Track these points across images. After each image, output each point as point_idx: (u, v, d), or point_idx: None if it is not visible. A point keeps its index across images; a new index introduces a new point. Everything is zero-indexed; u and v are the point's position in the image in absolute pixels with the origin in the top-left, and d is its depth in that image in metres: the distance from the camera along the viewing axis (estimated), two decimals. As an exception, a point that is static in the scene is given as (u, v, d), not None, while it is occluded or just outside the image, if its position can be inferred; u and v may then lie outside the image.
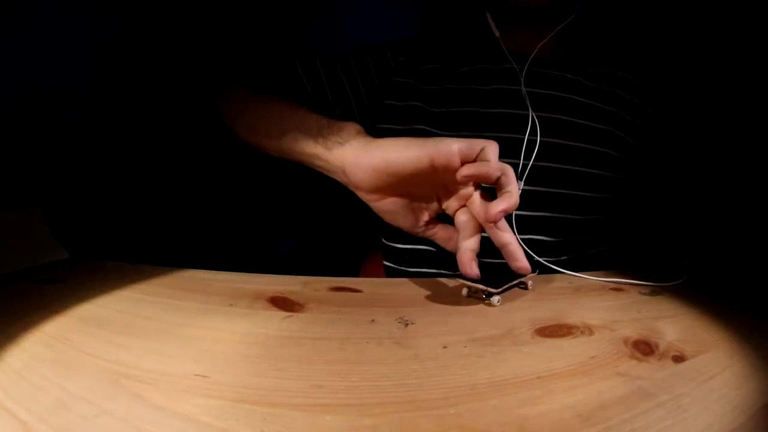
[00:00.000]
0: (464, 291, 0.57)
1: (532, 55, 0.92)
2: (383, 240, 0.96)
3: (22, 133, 1.30)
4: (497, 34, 0.93)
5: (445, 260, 0.85)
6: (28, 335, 0.42)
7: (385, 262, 0.97)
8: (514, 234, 0.61)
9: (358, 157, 0.66)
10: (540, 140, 0.85)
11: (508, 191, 0.58)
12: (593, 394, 0.34)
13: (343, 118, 0.80)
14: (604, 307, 0.53)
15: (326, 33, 3.26)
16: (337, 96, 0.95)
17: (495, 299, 0.54)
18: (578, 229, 0.89)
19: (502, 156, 0.69)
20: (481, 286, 0.54)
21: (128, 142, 1.57)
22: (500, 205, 0.56)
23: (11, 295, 0.54)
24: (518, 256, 0.58)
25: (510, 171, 0.59)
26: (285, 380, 0.35)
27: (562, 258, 0.89)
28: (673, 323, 0.48)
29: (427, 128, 0.90)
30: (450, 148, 0.60)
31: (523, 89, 0.88)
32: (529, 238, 0.85)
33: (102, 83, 1.69)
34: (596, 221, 0.92)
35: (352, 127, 0.70)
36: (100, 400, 0.32)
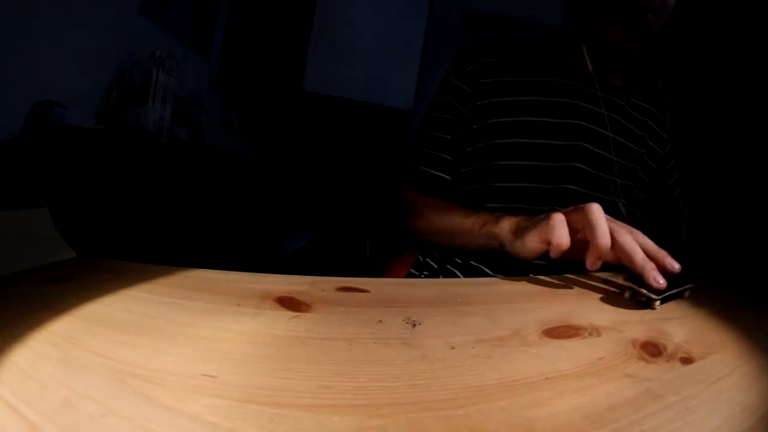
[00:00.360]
0: (627, 294, 0.58)
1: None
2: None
3: (31, 135, 1.30)
4: (590, 67, 1.02)
5: (491, 258, 0.95)
6: (34, 334, 0.42)
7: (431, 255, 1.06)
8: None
9: (512, 252, 0.79)
10: (598, 152, 1.00)
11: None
12: (601, 396, 0.34)
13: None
14: (611, 308, 0.53)
15: (332, 20, 3.27)
16: (452, 153, 1.07)
17: (656, 304, 0.55)
18: None
19: (593, 168, 0.98)
20: (644, 291, 0.56)
21: (135, 143, 1.57)
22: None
23: (18, 294, 0.54)
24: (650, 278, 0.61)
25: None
26: (292, 380, 0.35)
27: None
28: (681, 324, 0.48)
29: (508, 141, 1.00)
30: (557, 232, 0.67)
31: (605, 112, 1.00)
32: None
33: (112, 86, 1.70)
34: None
35: (501, 231, 0.82)
36: (106, 399, 0.32)
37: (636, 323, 0.48)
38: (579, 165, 0.98)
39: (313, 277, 0.61)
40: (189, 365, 0.37)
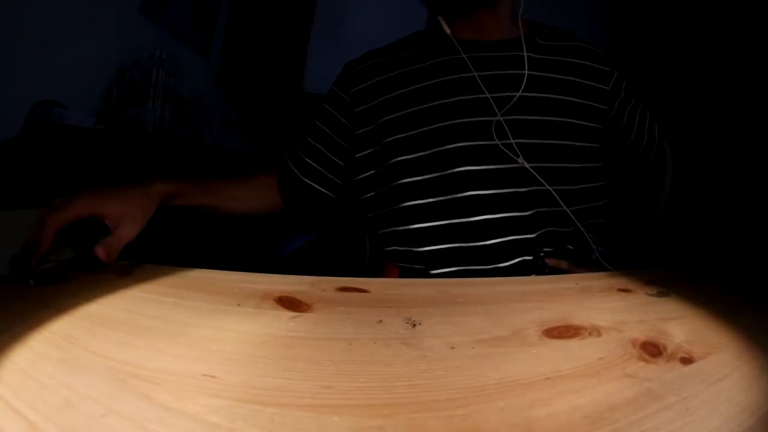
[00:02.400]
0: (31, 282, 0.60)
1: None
2: (405, 248, 0.97)
3: (31, 135, 1.30)
4: (448, 31, 0.96)
5: (467, 257, 0.90)
6: (34, 334, 0.42)
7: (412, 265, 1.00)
8: None
9: None
10: (504, 119, 0.90)
11: None
12: (601, 396, 0.34)
13: (343, 178, 1.08)
14: (611, 308, 0.53)
15: (332, 20, 3.26)
16: (325, 165, 1.08)
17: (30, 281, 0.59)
18: (576, 201, 0.93)
19: (477, 139, 0.90)
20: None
21: (135, 143, 1.57)
22: None
23: (17, 294, 0.54)
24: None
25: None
26: (292, 380, 0.35)
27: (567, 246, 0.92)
28: (681, 324, 0.48)
29: (397, 137, 0.96)
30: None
31: (476, 74, 0.93)
32: (521, 215, 0.90)
33: (111, 87, 1.70)
34: (591, 193, 0.96)
35: None
36: (106, 399, 0.32)
37: (636, 323, 0.48)
38: (462, 144, 0.92)
39: (313, 277, 0.61)
40: (189, 365, 0.37)
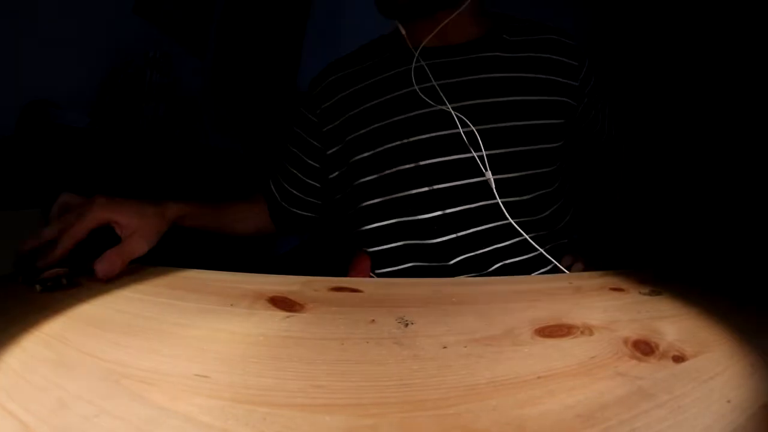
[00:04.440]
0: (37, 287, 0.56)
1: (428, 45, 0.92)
2: (365, 249, 0.99)
3: (23, 135, 1.30)
4: (404, 32, 0.92)
5: (421, 253, 0.91)
6: (28, 335, 0.42)
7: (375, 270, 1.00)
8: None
9: None
10: (468, 131, 0.85)
11: None
12: (593, 395, 0.34)
13: (322, 199, 1.08)
14: (603, 307, 0.53)
15: (327, 19, 3.27)
16: (303, 190, 1.07)
17: (37, 287, 0.55)
18: (543, 206, 0.92)
19: (444, 154, 0.86)
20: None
21: (129, 143, 1.57)
22: None
23: (11, 295, 0.54)
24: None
25: None
26: (285, 380, 0.35)
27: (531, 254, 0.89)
28: (673, 323, 0.48)
29: (364, 155, 0.94)
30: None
31: (435, 83, 0.88)
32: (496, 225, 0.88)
33: (105, 87, 1.70)
34: (553, 197, 0.95)
35: None
36: (100, 400, 0.32)
37: (628, 322, 0.48)
38: (431, 161, 0.89)
39: (306, 276, 0.61)
40: (182, 365, 0.37)
